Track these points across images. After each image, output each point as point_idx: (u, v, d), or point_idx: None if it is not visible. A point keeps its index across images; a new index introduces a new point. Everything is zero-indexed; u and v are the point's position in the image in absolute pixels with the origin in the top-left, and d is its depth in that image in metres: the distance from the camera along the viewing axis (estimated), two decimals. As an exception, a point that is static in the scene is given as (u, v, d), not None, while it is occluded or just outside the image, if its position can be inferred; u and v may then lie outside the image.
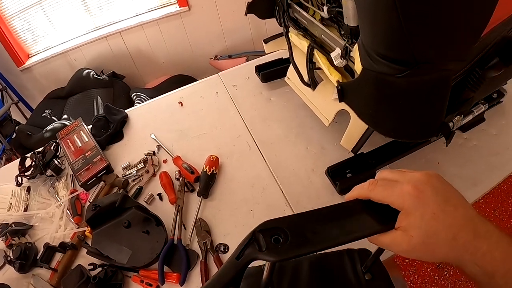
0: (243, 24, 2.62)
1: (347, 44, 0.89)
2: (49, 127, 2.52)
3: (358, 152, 1.10)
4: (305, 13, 1.08)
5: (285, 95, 1.38)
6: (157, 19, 3.07)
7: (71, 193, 1.31)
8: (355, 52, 0.84)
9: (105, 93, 2.79)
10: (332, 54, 0.94)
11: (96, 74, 2.98)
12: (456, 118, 0.99)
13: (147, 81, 3.36)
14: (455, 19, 0.64)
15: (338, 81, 0.95)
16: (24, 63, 3.31)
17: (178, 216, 1.11)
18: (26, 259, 1.14)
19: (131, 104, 2.52)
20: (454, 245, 0.49)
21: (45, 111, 2.95)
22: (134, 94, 2.70)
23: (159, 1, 3.19)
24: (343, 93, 0.92)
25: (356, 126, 1.01)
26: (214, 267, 1.02)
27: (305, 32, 1.11)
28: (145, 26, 3.12)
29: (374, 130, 0.95)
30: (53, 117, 2.85)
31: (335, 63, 0.95)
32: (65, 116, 2.77)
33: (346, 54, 0.91)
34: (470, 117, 1.10)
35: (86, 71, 3.00)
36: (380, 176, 0.59)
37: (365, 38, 0.77)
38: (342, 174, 1.11)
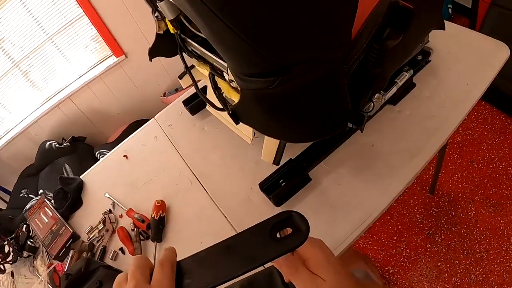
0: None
1: (228, 67, 0.91)
2: (27, 206, 2.58)
3: (286, 160, 1.12)
4: (195, 43, 1.10)
5: (215, 122, 1.44)
6: (100, 75, 3.15)
7: (48, 267, 1.38)
8: (230, 75, 0.89)
9: (70, 159, 2.85)
10: (226, 77, 0.99)
11: (58, 144, 3.05)
12: (376, 96, 0.97)
13: (107, 135, 3.42)
14: (294, 17, 0.62)
15: (228, 106, 0.98)
16: (-10, 153, 3.38)
17: (138, 265, 1.18)
18: None
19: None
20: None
21: (21, 191, 3.01)
22: (98, 152, 2.78)
23: (97, 57, 3.27)
24: (236, 116, 0.95)
25: (270, 139, 1.05)
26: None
27: (204, 61, 1.14)
28: (91, 84, 3.20)
29: (283, 141, 0.99)
30: (30, 195, 2.90)
31: (232, 85, 0.99)
32: (41, 191, 2.83)
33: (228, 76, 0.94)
34: (394, 89, 1.08)
35: (48, 143, 3.06)
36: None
37: (228, 62, 0.81)
38: (277, 185, 1.11)
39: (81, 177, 1.65)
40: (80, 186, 1.61)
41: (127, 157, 1.58)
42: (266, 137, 1.06)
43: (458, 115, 1.10)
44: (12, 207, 2.98)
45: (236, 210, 1.20)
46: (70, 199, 1.55)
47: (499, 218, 2.18)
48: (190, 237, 1.21)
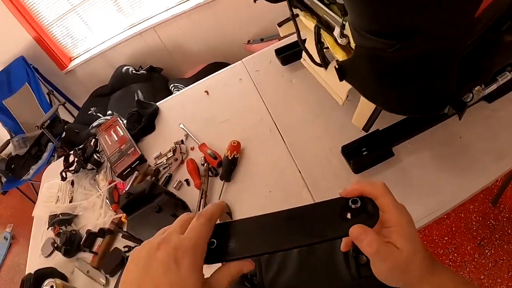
0: (273, 6, 2.65)
1: (343, 22, 0.89)
2: (94, 124, 2.68)
3: (374, 129, 1.09)
4: (308, -7, 1.06)
5: (305, 76, 1.40)
6: (188, 11, 3.13)
7: (109, 183, 1.43)
8: (348, 30, 0.86)
9: (144, 87, 2.91)
10: (334, 33, 0.95)
11: (135, 70, 3.11)
12: (476, 88, 0.94)
13: (184, 71, 3.45)
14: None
15: (336, 60, 0.95)
16: (67, 67, 3.51)
17: (202, 199, 1.19)
18: (71, 245, 1.29)
19: (170, 95, 2.65)
20: (422, 264, 0.52)
21: (91, 109, 3.12)
22: (172, 85, 2.80)
23: (188, -7, 3.27)
24: (342, 72, 0.92)
25: (365, 104, 1.01)
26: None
27: (311, 12, 1.11)
28: (177, 18, 3.19)
29: (379, 107, 0.95)
30: (98, 114, 3.01)
31: (339, 41, 0.95)
32: (109, 112, 2.92)
33: (342, 32, 0.91)
34: (494, 86, 1.03)
35: (125, 67, 3.13)
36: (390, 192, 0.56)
37: (351, 15, 0.78)
38: (358, 152, 1.10)
39: (157, 104, 1.67)
40: (156, 112, 1.63)
41: (208, 93, 1.58)
42: (362, 100, 1.03)
43: None
44: (79, 122, 3.10)
45: (312, 167, 1.17)
46: (144, 123, 1.57)
47: None
48: (259, 184, 1.20)
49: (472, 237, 2.20)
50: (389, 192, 0.54)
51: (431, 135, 1.12)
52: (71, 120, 3.49)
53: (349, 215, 0.52)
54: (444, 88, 0.82)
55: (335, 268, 0.68)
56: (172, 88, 2.77)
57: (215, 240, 0.52)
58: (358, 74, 0.89)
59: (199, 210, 1.18)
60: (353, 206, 0.52)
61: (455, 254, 2.18)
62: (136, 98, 2.75)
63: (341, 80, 0.94)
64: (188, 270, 0.47)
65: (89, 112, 3.09)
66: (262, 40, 3.17)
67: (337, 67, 0.92)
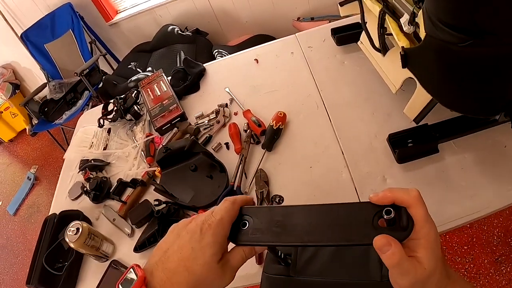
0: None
1: (414, 10, 0.89)
2: (133, 78, 2.70)
3: (423, 123, 1.09)
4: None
5: (358, 59, 1.39)
6: (242, -21, 3.12)
7: (147, 136, 1.46)
8: (420, 18, 0.85)
9: (188, 48, 2.91)
10: (401, 20, 0.95)
11: (181, 30, 3.11)
12: None
13: (229, 39, 3.45)
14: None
15: (402, 47, 0.95)
16: (112, 19, 3.54)
17: (241, 165, 1.20)
18: (100, 191, 1.32)
19: (212, 60, 2.67)
20: (441, 280, 0.52)
21: (131, 63, 3.15)
22: (216, 50, 2.80)
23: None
24: (407, 59, 0.93)
25: (421, 95, 1.00)
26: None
27: None
28: (230, -14, 3.19)
29: (435, 99, 0.95)
30: (138, 69, 3.04)
31: (404, 29, 0.95)
32: (149, 68, 2.94)
33: (413, 19, 0.91)
34: None
35: (171, 27, 3.14)
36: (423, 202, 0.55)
37: (428, 3, 0.78)
38: (404, 143, 1.10)
39: (205, 65, 1.68)
40: (202, 73, 1.64)
41: (257, 62, 1.58)
42: (417, 91, 1.01)
43: None
44: (118, 74, 3.13)
45: (355, 150, 1.17)
46: (189, 81, 1.59)
47: None
48: (300, 158, 1.21)
49: (491, 251, 2.22)
50: (423, 203, 0.53)
51: (477, 139, 1.11)
52: (109, 72, 3.54)
53: (381, 223, 0.53)
54: (503, 93, 0.83)
55: (368, 264, 0.69)
56: (216, 54, 2.77)
57: (247, 222, 0.59)
58: (423, 64, 0.90)
59: (236, 174, 1.19)
60: (386, 217, 0.51)
61: (471, 265, 2.20)
62: (178, 58, 2.79)
63: (403, 67, 0.95)
64: (209, 241, 0.55)
65: (129, 66, 3.12)
66: (312, 19, 3.14)
67: (402, 53, 0.92)
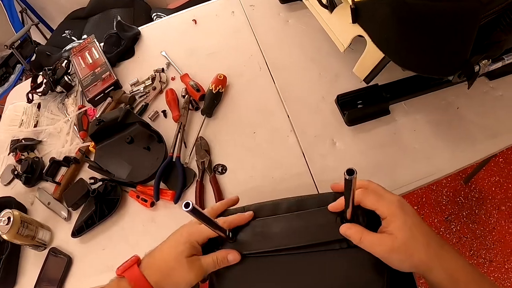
0: None
1: None
2: (67, 47, 2.53)
3: (373, 83, 1.06)
4: None
5: (304, 18, 1.34)
6: None
7: (79, 108, 1.35)
8: None
9: (125, 13, 2.77)
10: None
11: (117, -7, 2.97)
12: (483, 61, 0.93)
13: (169, 1, 3.29)
14: None
15: (353, 0, 0.90)
16: (43, -16, 3.29)
17: (179, 134, 1.14)
18: (32, 173, 1.21)
19: (152, 24, 2.55)
20: (428, 250, 0.59)
21: (65, 31, 2.97)
22: (155, 14, 2.67)
23: None
24: (357, 13, 0.89)
25: (372, 53, 0.96)
26: (209, 187, 1.05)
27: None
28: None
29: (389, 58, 0.91)
30: (73, 37, 2.87)
31: None
32: (85, 36, 2.77)
33: None
34: (500, 64, 1.02)
35: (107, -10, 2.98)
36: (370, 186, 0.67)
37: None
38: (353, 104, 1.09)
39: (139, 28, 1.57)
40: (137, 36, 1.54)
41: (196, 22, 1.49)
42: (368, 49, 0.97)
43: None
44: (52, 44, 2.95)
45: (301, 113, 1.13)
46: (123, 46, 1.48)
47: None
48: (243, 123, 1.16)
49: (440, 211, 2.37)
50: (372, 191, 0.65)
51: (429, 100, 1.11)
52: (43, 42, 3.33)
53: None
54: (461, 51, 0.82)
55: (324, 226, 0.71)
56: (155, 17, 2.64)
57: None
58: (375, 19, 0.86)
59: (174, 144, 1.12)
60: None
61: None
62: (115, 23, 2.65)
63: (354, 22, 0.91)
64: (184, 240, 0.71)
65: (63, 35, 2.94)
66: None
67: (353, 7, 0.88)
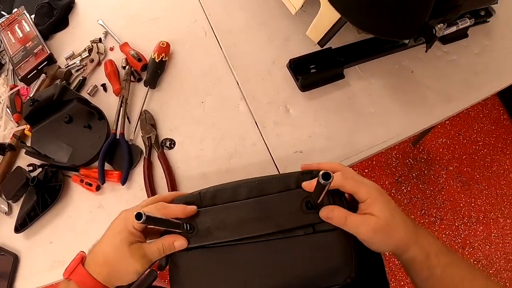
0: None
1: None
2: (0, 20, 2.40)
3: (326, 47, 1.04)
4: None
5: (252, -22, 1.29)
6: None
7: (11, 89, 1.26)
8: None
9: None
10: None
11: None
12: (439, 25, 0.95)
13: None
14: None
15: None
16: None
17: (122, 108, 1.07)
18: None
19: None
20: (406, 229, 0.63)
21: (-5, 6, 2.81)
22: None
23: None
24: None
25: (326, 15, 0.94)
26: (158, 164, 1.01)
27: None
28: None
29: (346, 20, 0.90)
30: (2, 12, 2.70)
31: None
32: (15, 9, 2.63)
33: None
34: (454, 28, 1.08)
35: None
36: (346, 170, 0.68)
37: None
38: (306, 69, 1.07)
39: (73, -4, 1.47)
40: (71, 5, 1.43)
41: (133, -15, 1.40)
42: (322, 10, 0.95)
43: (498, 84, 1.10)
44: (-19, 21, 2.78)
45: (251, 79, 1.09)
46: (56, 17, 1.37)
47: (462, 196, 2.40)
48: (190, 93, 1.11)
49: (391, 173, 2.51)
50: (349, 176, 0.66)
51: (384, 64, 1.11)
52: (-28, 18, 3.14)
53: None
54: (421, 14, 0.83)
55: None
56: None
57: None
58: None
59: (117, 120, 1.06)
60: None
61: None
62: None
63: None
64: (121, 229, 0.67)
65: (-6, 10, 2.78)
66: None
67: None
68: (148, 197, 0.96)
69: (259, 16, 1.22)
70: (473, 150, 2.52)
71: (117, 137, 1.03)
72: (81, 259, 0.67)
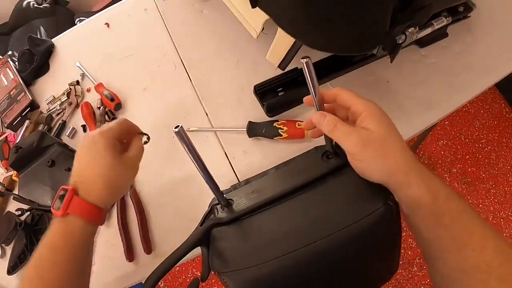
0: None
1: None
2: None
3: (292, 67, 1.04)
4: None
5: (218, 6, 1.32)
6: None
7: (-1, 136, 1.32)
8: None
9: (47, 22, 2.72)
10: None
11: (37, 3, 2.89)
12: (410, 30, 0.93)
13: (93, 3, 3.24)
14: None
15: None
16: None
17: (98, 149, 1.12)
18: (-44, 214, 1.18)
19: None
20: (405, 155, 0.57)
21: (-11, 50, 2.92)
22: (78, 19, 2.62)
23: None
24: None
25: (283, 37, 0.94)
26: (129, 202, 1.05)
27: None
28: None
29: (298, 40, 0.89)
30: (-5, 55, 2.82)
31: None
32: (10, 52, 2.72)
33: None
34: (429, 30, 1.05)
35: (26, 1, 2.88)
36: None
37: None
38: (274, 93, 1.07)
39: (53, 40, 1.55)
40: (50, 49, 1.50)
41: (108, 26, 1.47)
42: (278, 33, 0.96)
43: (484, 82, 1.08)
44: (-22, 66, 2.89)
45: (220, 108, 1.13)
46: (36, 62, 1.45)
47: (468, 197, 2.35)
48: (159, 127, 1.16)
49: None
50: (346, 89, 0.64)
51: (356, 78, 1.11)
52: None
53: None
54: (377, 23, 0.80)
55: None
56: (78, 23, 2.60)
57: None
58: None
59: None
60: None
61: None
62: (39, 35, 2.60)
63: (253, 6, 0.89)
64: (103, 145, 0.70)
65: (-12, 54, 2.89)
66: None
67: None
68: (122, 235, 0.99)
69: (227, 42, 1.26)
70: (476, 148, 2.49)
71: (95, 176, 1.08)
72: (74, 191, 0.66)
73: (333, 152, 0.69)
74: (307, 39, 0.86)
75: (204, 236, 0.66)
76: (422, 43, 1.13)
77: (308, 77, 0.60)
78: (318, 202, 0.63)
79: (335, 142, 0.65)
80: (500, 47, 1.13)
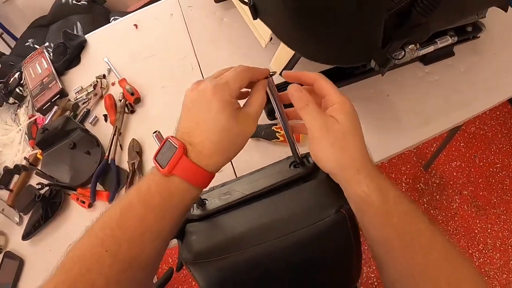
0: None
1: None
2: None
3: None
4: None
5: (237, 15, 1.42)
6: None
7: (29, 118, 1.48)
8: None
9: (84, 19, 2.87)
10: None
11: (76, 0, 3.07)
12: (410, 46, 0.96)
13: (129, 4, 3.40)
14: None
15: None
16: (5, -7, 3.40)
17: (114, 137, 1.26)
18: (-14, 182, 1.34)
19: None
20: (362, 154, 0.58)
21: (28, 40, 3.07)
22: (113, 18, 2.78)
23: None
24: (256, 9, 0.92)
25: (285, 47, 1.01)
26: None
27: None
28: None
29: (294, 51, 0.96)
30: (35, 46, 2.97)
31: None
32: (47, 44, 2.89)
33: None
34: (432, 48, 1.07)
35: (65, -3, 3.09)
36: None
37: None
38: None
39: (86, 36, 1.71)
40: (83, 44, 1.66)
41: (137, 27, 1.61)
42: (281, 44, 1.04)
43: (486, 102, 1.10)
44: (16, 54, 3.06)
45: None
46: (69, 55, 1.61)
47: (477, 221, 2.31)
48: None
49: None
50: (325, 78, 0.64)
51: (357, 90, 1.16)
52: (8, 52, 3.44)
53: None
54: (368, 38, 0.81)
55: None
56: (112, 21, 2.75)
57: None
58: (271, 12, 0.88)
59: (110, 147, 1.25)
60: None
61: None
62: (75, 30, 2.77)
63: (254, 18, 0.94)
64: (218, 107, 0.58)
65: (26, 44, 3.05)
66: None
67: (250, 3, 0.91)
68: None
69: (242, 49, 1.36)
70: (490, 172, 2.45)
71: (109, 162, 1.22)
72: (183, 151, 0.57)
73: (300, 162, 0.76)
74: (301, 50, 0.91)
75: (179, 230, 0.72)
76: (426, 60, 1.16)
77: (270, 93, 0.68)
78: (279, 206, 0.70)
79: (303, 153, 0.76)
80: (507, 69, 1.16)
